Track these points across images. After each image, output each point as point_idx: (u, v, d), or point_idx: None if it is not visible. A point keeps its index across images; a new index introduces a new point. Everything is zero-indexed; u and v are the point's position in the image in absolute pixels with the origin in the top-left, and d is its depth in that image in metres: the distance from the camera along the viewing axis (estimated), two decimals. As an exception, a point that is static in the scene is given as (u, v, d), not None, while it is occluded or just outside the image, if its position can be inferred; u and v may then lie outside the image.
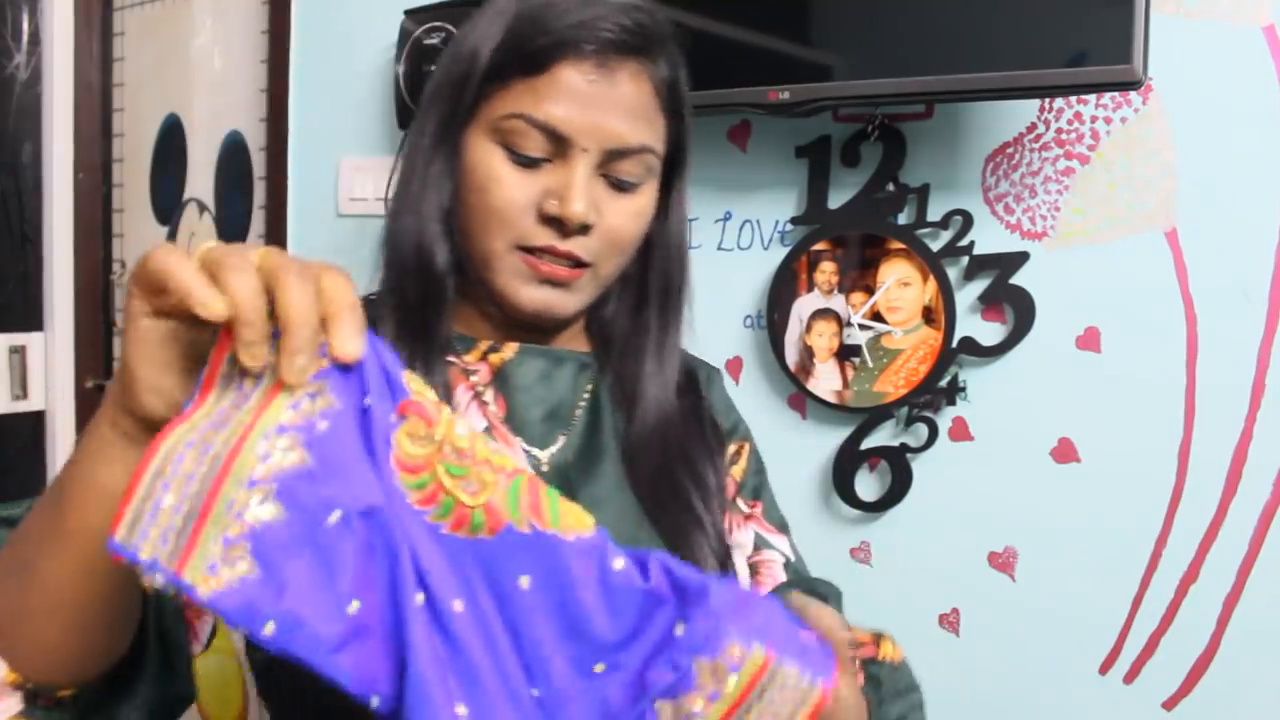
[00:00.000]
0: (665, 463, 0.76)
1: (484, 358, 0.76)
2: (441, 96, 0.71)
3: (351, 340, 0.44)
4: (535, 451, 0.75)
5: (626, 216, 0.71)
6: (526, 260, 0.69)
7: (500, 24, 0.68)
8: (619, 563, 0.48)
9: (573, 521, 0.48)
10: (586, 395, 0.79)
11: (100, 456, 0.49)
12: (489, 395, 0.75)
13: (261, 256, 0.44)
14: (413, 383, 0.47)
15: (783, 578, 0.80)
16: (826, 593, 0.80)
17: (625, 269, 0.77)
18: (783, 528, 0.85)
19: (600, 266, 0.71)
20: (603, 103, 0.67)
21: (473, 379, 0.75)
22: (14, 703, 0.53)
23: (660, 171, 0.73)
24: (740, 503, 0.83)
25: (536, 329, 0.76)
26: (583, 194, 0.67)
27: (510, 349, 0.76)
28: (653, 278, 0.78)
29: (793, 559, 0.82)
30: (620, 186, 0.70)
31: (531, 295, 0.70)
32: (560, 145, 0.67)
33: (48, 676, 0.53)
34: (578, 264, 0.70)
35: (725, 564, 0.76)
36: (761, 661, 0.46)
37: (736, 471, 0.84)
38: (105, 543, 0.42)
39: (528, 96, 0.67)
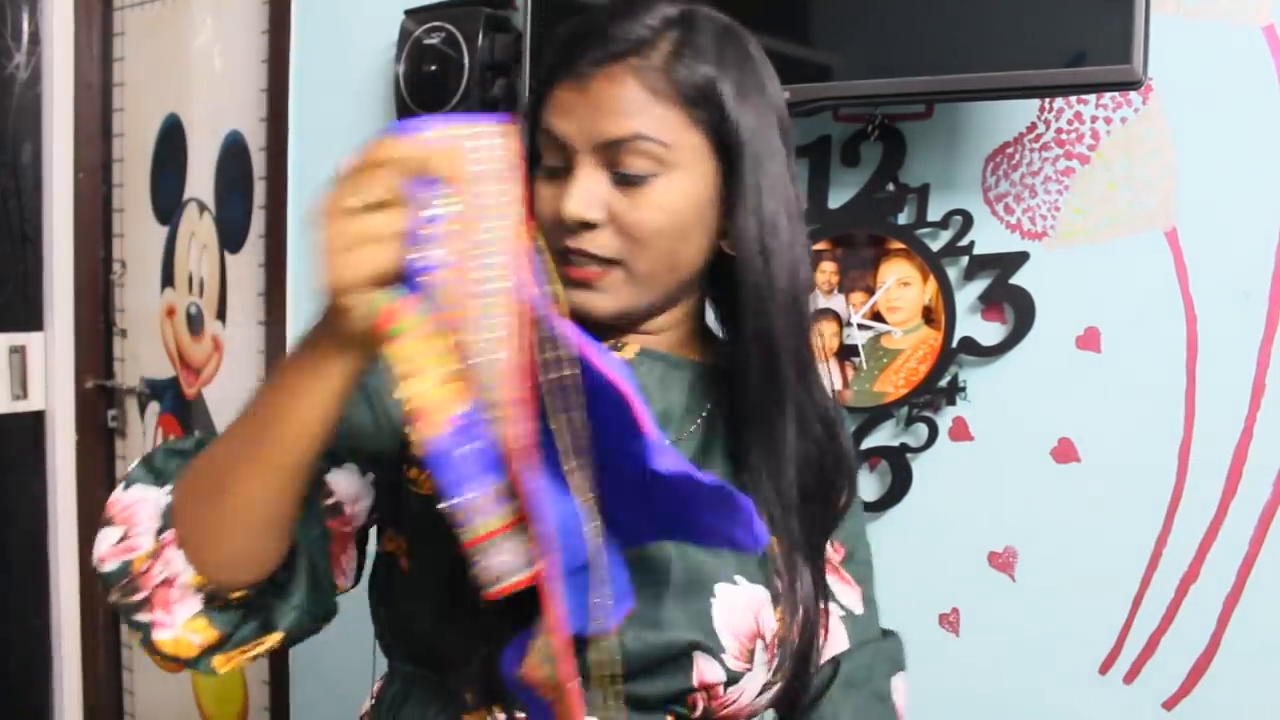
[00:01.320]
0: (781, 503, 0.75)
1: None
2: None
3: None
4: None
5: (643, 209, 0.71)
6: (563, 266, 0.73)
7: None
8: None
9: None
10: (706, 411, 0.79)
11: (299, 390, 0.59)
12: None
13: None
14: None
15: (842, 633, 0.81)
16: (876, 654, 0.82)
17: (691, 269, 0.76)
18: (861, 579, 0.85)
19: (632, 263, 0.72)
20: (581, 106, 0.72)
21: None
22: (194, 603, 0.64)
23: (699, 158, 0.73)
24: (829, 546, 0.82)
25: (652, 329, 0.78)
26: (576, 192, 0.71)
27: (631, 350, 0.78)
28: (735, 274, 0.75)
29: (859, 612, 0.83)
30: (626, 180, 0.71)
31: (569, 297, 0.73)
32: (566, 154, 0.72)
33: (230, 578, 0.64)
34: (603, 261, 0.72)
35: (822, 586, 0.77)
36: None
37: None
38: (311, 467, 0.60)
39: (543, 118, 0.74)
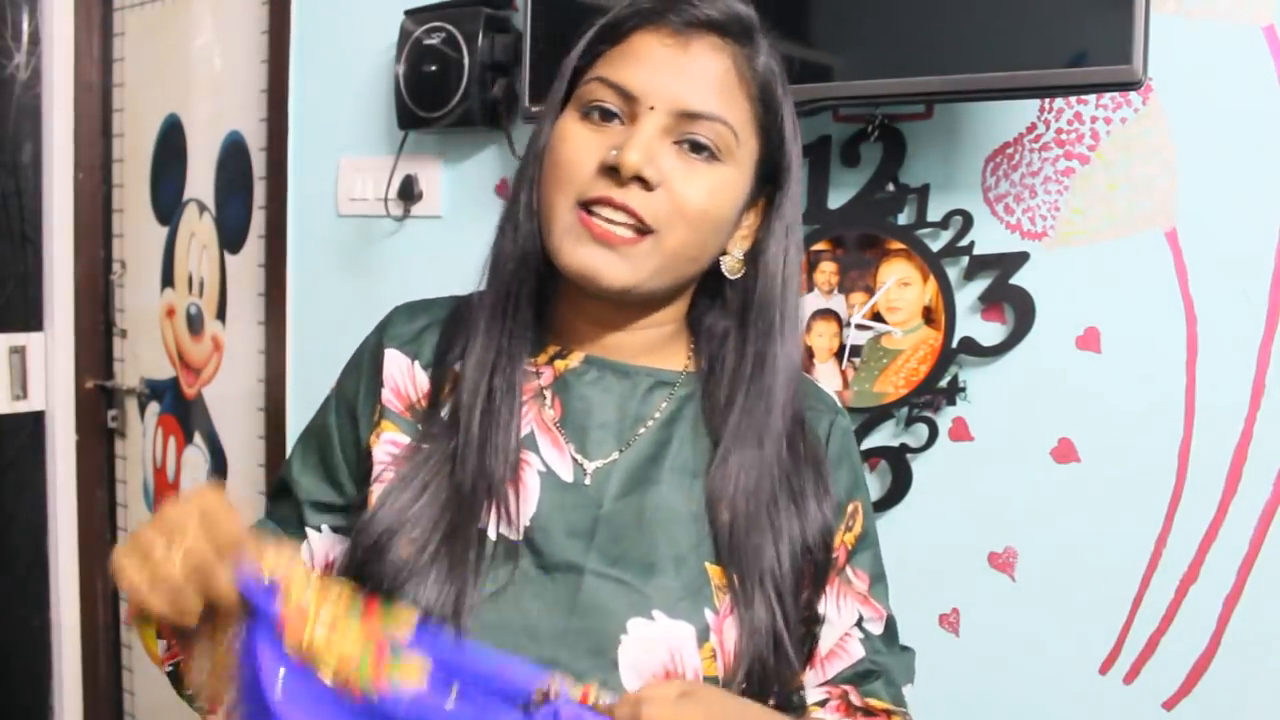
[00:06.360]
0: (745, 508, 0.73)
1: (550, 362, 0.78)
2: (551, 90, 0.75)
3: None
4: (583, 460, 0.75)
5: (698, 186, 0.70)
6: (582, 218, 0.69)
7: (599, 18, 0.73)
8: (450, 704, 0.61)
9: (408, 677, 0.61)
10: (657, 415, 0.77)
11: None
12: (548, 398, 0.77)
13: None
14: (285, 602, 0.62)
15: (859, 654, 0.79)
16: (892, 671, 0.80)
17: (712, 268, 0.76)
18: (882, 598, 0.82)
19: (664, 236, 0.70)
20: (674, 66, 0.69)
21: (538, 381, 0.77)
22: None
23: (751, 165, 0.73)
24: (851, 573, 0.80)
25: (619, 327, 0.76)
26: (641, 145, 0.68)
27: (575, 358, 0.77)
28: (753, 296, 0.77)
29: (878, 633, 0.81)
30: (694, 152, 0.70)
31: (579, 254, 0.69)
32: (631, 105, 0.69)
33: None
34: (638, 229, 0.69)
35: (787, 621, 0.73)
36: None
37: (849, 538, 0.80)
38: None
39: (607, 64, 0.71)
